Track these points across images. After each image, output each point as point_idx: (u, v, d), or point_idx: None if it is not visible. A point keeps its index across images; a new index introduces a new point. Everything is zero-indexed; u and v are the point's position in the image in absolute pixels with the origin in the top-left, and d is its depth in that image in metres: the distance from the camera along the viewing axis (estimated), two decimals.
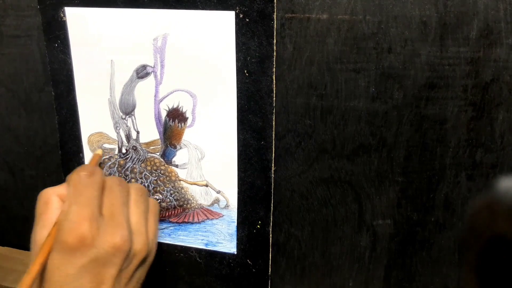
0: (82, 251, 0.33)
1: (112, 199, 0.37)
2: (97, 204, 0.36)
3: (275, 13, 0.37)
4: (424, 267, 0.42)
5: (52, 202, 0.37)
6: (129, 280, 0.37)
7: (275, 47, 0.38)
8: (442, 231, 0.41)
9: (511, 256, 0.35)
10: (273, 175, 0.42)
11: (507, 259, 0.35)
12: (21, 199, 0.54)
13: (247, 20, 0.38)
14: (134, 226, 0.38)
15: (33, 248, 0.36)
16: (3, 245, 0.57)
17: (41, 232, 0.36)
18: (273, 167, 0.42)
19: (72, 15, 0.42)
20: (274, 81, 0.39)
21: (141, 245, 0.37)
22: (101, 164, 0.47)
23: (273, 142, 0.41)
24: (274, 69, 0.39)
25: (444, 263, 0.42)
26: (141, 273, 0.39)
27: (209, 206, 0.45)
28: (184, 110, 0.43)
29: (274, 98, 0.40)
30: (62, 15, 0.43)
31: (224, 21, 0.38)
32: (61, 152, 0.48)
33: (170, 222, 0.47)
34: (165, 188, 0.46)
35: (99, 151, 0.46)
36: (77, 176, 0.37)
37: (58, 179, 0.50)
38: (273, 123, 0.40)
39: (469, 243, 0.38)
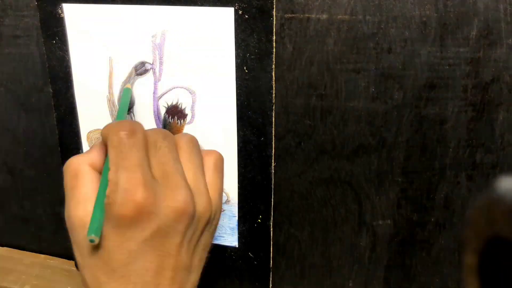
0: (142, 222, 0.29)
1: (161, 157, 0.32)
2: (146, 166, 0.30)
3: (274, 10, 0.37)
4: (424, 267, 0.42)
5: (83, 173, 0.31)
6: (194, 248, 0.32)
7: (274, 44, 0.38)
8: (442, 231, 0.41)
9: (511, 256, 0.35)
10: (273, 171, 0.42)
11: (507, 259, 0.35)
12: (21, 200, 0.54)
13: (246, 16, 0.38)
14: (192, 184, 0.32)
15: (71, 227, 0.31)
16: (2, 245, 0.57)
17: (76, 209, 0.31)
18: (273, 163, 0.42)
19: (70, 12, 0.42)
20: (274, 78, 0.39)
21: (204, 204, 0.32)
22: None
23: (273, 139, 0.41)
24: (273, 66, 0.39)
25: (444, 263, 0.42)
26: (207, 239, 0.34)
27: None
28: (183, 107, 0.43)
29: (274, 95, 0.40)
30: (60, 12, 0.43)
31: (223, 18, 0.38)
32: (60, 149, 0.48)
33: None
34: None
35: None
36: (117, 137, 0.30)
37: (58, 179, 0.50)
38: (273, 119, 0.40)
39: (469, 243, 0.38)
